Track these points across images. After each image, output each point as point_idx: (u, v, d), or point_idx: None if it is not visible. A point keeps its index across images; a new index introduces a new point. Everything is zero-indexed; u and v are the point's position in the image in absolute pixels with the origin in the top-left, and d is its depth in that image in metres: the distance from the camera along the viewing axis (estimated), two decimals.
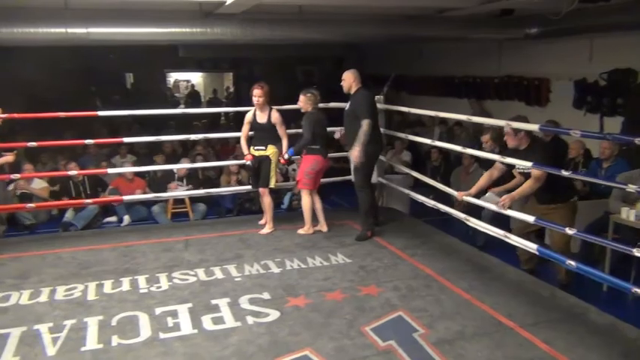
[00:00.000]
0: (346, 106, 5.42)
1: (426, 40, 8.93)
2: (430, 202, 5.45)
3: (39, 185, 7.03)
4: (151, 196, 6.43)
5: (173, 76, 18.57)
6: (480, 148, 6.09)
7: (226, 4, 5.72)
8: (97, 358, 3.28)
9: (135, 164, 8.32)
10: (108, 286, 4.32)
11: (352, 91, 5.33)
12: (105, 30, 6.18)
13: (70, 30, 5.96)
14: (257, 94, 5.40)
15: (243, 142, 5.69)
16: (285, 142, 5.52)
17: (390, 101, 6.40)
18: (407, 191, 6.05)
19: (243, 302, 4.00)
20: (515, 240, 4.33)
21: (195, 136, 6.96)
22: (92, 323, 3.68)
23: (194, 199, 7.21)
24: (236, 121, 13.15)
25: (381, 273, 4.55)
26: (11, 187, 6.74)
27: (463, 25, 7.87)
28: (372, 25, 7.61)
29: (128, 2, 5.96)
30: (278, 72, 14.31)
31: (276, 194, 7.63)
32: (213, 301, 4.02)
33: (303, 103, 5.40)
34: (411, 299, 4.05)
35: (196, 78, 20.06)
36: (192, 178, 7.45)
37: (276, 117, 5.47)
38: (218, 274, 4.57)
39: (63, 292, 4.21)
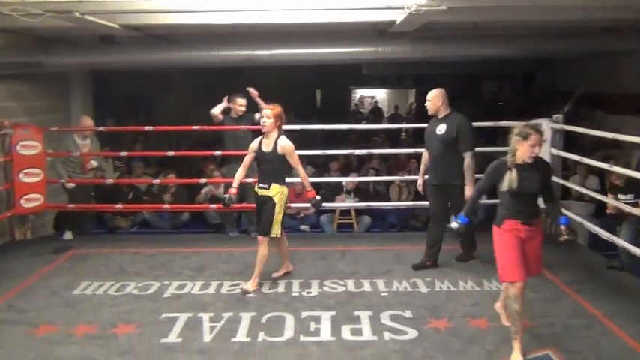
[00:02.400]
0: (437, 128, 4.89)
1: (624, 53, 8.01)
2: (613, 238, 4.80)
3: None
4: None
5: (358, 92, 19.33)
6: None
7: (397, 22, 5.84)
8: (243, 349, 3.60)
9: (312, 176, 8.86)
10: (266, 286, 4.70)
11: (441, 114, 4.89)
12: (286, 52, 6.74)
13: (255, 52, 6.63)
14: (266, 114, 4.47)
15: (238, 174, 4.69)
16: (302, 175, 4.68)
17: (583, 120, 5.82)
18: (583, 221, 5.45)
19: (384, 317, 4.04)
20: None
21: (359, 152, 7.27)
22: (245, 318, 4.06)
23: (360, 212, 7.43)
24: (414, 137, 13.21)
25: (537, 306, 4.21)
26: (204, 190, 7.67)
27: None
28: (557, 39, 7.13)
29: (306, 24, 6.42)
30: (463, 88, 13.98)
31: None
32: (356, 313, 4.14)
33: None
34: (566, 339, 3.69)
35: (380, 94, 20.59)
36: (362, 191, 7.69)
37: (283, 146, 4.43)
38: (366, 286, 4.68)
39: (228, 286, 4.70)
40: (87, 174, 6.43)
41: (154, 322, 4.01)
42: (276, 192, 4.49)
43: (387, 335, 3.76)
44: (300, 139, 11.06)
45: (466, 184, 4.78)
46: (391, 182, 8.11)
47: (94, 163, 6.40)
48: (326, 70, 12.91)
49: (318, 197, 4.81)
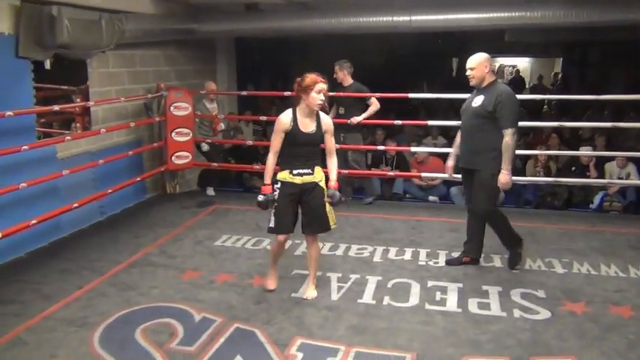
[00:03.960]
0: (474, 101, 4.20)
1: None
2: None
3: None
4: (446, 176, 6.63)
5: (498, 61, 18.28)
6: None
7: None
8: (369, 311, 3.70)
9: (444, 146, 8.66)
10: (392, 253, 4.75)
11: (484, 84, 4.17)
12: (426, 17, 6.55)
13: (395, 18, 6.54)
14: (324, 89, 3.68)
15: (270, 164, 3.77)
16: (334, 161, 3.88)
17: None
18: None
19: (515, 295, 3.91)
20: None
21: None
22: (372, 282, 4.15)
23: None
24: (558, 110, 12.29)
25: None
26: None
27: None
28: None
29: None
30: (619, 57, 12.64)
31: (586, 192, 6.98)
32: (484, 287, 4.05)
33: None
34: None
35: (523, 63, 19.31)
36: None
37: (328, 123, 3.82)
38: (497, 262, 4.54)
39: (355, 250, 4.82)
40: (216, 135, 6.91)
41: (286, 277, 4.24)
42: (321, 176, 3.83)
43: (516, 313, 3.64)
44: (429, 110, 10.93)
45: (502, 168, 4.07)
46: (528, 157, 7.67)
47: (222, 125, 6.84)
48: (464, 37, 12.42)
49: (338, 192, 3.82)
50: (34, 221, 4.50)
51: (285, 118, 3.70)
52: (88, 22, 5.14)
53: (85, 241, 5.07)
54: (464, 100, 4.49)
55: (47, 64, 5.15)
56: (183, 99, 6.54)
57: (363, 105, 6.16)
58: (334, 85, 6.14)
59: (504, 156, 4.04)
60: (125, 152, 5.98)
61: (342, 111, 6.27)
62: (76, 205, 5.02)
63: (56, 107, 5.25)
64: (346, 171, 6.20)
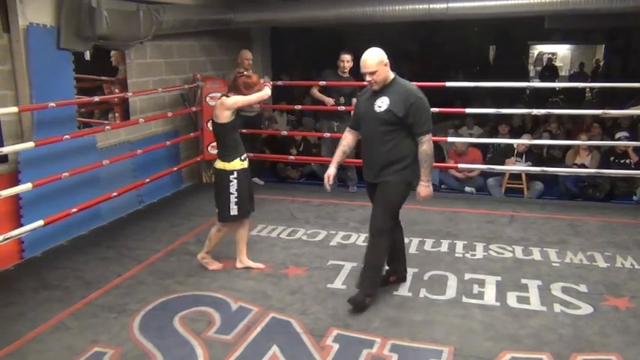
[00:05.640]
0: (375, 104, 3.51)
1: None
2: None
3: None
4: (484, 167, 6.55)
5: (537, 49, 17.80)
6: None
7: None
8: (405, 304, 3.67)
9: (480, 136, 8.51)
10: (428, 244, 4.70)
11: (386, 83, 3.51)
12: (463, 4, 6.41)
13: (432, 6, 6.41)
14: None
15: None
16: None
17: None
18: None
19: (555, 289, 3.82)
20: None
21: (537, 111, 6.68)
22: (408, 273, 4.09)
23: (532, 177, 6.98)
24: (600, 98, 11.92)
25: None
26: None
27: None
28: None
29: None
30: None
31: (628, 183, 6.76)
32: (524, 280, 3.97)
33: None
34: None
35: (563, 50, 18.75)
36: (534, 155, 7.19)
37: None
38: (536, 255, 4.44)
39: None
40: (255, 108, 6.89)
41: (321, 267, 4.24)
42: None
43: (557, 307, 3.56)
44: (466, 99, 10.73)
45: (422, 180, 3.55)
46: (569, 147, 7.45)
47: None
48: (501, 24, 12.11)
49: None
50: (74, 209, 4.61)
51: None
52: (126, 14, 5.21)
53: (124, 230, 5.18)
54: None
55: (87, 56, 5.24)
56: (219, 89, 6.57)
57: None
58: (336, 74, 6.38)
59: (424, 166, 3.50)
60: (163, 142, 6.07)
61: (342, 100, 6.37)
62: (115, 194, 5.12)
63: (97, 98, 5.36)
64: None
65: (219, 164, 4.03)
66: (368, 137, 3.62)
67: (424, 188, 3.57)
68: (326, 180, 3.72)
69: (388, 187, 3.54)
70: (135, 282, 4.04)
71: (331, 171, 3.73)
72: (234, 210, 4.03)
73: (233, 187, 3.99)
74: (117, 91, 5.91)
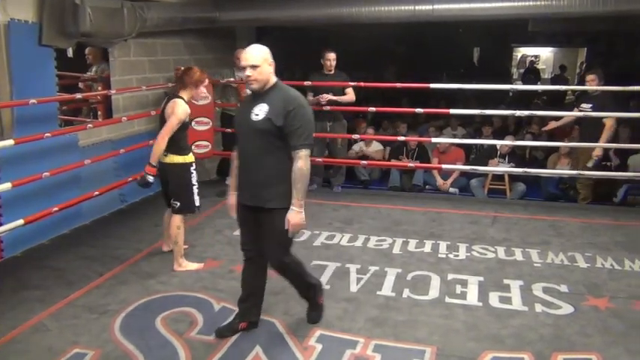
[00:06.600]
0: (253, 111, 3.00)
1: None
2: None
3: (375, 148, 7.93)
4: (467, 167, 6.60)
5: (521, 51, 17.99)
6: None
7: None
8: (388, 304, 3.68)
9: (464, 137, 8.57)
10: (412, 245, 4.72)
11: (267, 87, 3.03)
12: (448, 6, 6.44)
13: (417, 7, 6.44)
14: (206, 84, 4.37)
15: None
16: None
17: None
18: None
19: (537, 289, 3.86)
20: None
21: (520, 113, 6.72)
22: (391, 274, 4.13)
23: (514, 178, 7.05)
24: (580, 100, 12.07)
25: None
26: (354, 148, 7.81)
27: None
28: None
29: None
30: None
31: (609, 186, 6.85)
32: (506, 281, 4.01)
33: None
34: None
35: (546, 53, 18.99)
36: (517, 156, 7.27)
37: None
38: (518, 255, 4.49)
39: (374, 241, 4.80)
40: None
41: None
42: None
43: (538, 307, 3.60)
44: (451, 100, 10.80)
45: (293, 204, 2.94)
46: (551, 149, 7.54)
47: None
48: (485, 27, 12.22)
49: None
50: (55, 208, 4.55)
51: (187, 107, 4.11)
52: (110, 10, 5.15)
53: (106, 229, 5.13)
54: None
55: (70, 53, 5.18)
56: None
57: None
58: (321, 74, 6.39)
59: (296, 187, 2.92)
60: (146, 141, 6.00)
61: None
62: (97, 192, 5.06)
63: (79, 95, 5.29)
64: (320, 159, 6.31)
65: (176, 158, 4.11)
66: (245, 151, 3.07)
67: (295, 214, 2.93)
68: (232, 213, 3.30)
69: (277, 218, 2.97)
70: (117, 282, 3.99)
71: (232, 201, 3.25)
72: (197, 201, 4.20)
73: (194, 178, 4.18)
74: (99, 88, 5.84)
